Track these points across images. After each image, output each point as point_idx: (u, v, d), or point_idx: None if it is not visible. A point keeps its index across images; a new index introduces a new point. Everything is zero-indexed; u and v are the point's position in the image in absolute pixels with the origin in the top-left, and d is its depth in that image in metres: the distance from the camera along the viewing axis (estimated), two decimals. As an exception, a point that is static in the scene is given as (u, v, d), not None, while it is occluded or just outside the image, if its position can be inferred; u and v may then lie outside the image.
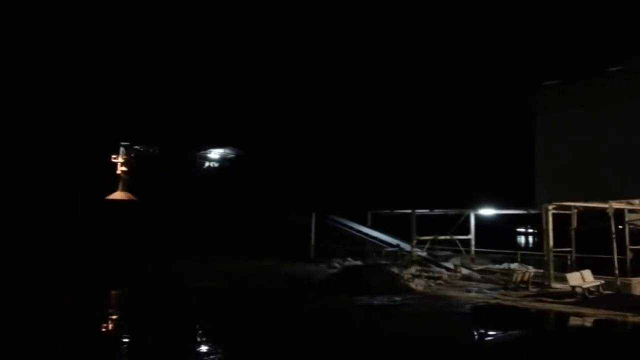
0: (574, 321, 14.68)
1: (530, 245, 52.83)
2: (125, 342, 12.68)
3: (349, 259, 27.99)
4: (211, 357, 11.10)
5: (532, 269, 20.97)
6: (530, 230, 62.56)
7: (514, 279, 19.85)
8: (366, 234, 31.10)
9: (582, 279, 17.59)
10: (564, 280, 18.14)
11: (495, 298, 17.52)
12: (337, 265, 26.59)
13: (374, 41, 52.02)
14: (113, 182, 47.98)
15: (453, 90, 41.37)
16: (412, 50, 48.57)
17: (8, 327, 13.20)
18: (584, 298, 16.58)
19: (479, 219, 29.18)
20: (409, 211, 27.95)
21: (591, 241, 21.13)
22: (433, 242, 27.66)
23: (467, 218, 28.49)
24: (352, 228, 32.11)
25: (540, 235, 27.84)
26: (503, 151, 27.63)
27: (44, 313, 15.02)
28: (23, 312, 15.17)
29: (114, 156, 48.56)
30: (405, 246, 27.78)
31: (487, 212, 28.15)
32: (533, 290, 18.78)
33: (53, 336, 12.23)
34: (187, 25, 61.44)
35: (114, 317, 15.97)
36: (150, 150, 49.35)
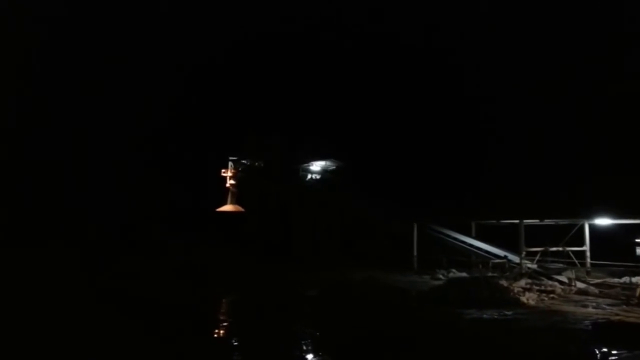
0: None
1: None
2: (235, 345, 13.61)
3: (453, 270, 27.57)
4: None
5: (657, 284, 19.45)
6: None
7: (637, 294, 18.56)
8: (470, 245, 30.30)
9: None
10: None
11: (617, 314, 16.47)
12: (441, 276, 26.32)
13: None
14: (223, 194, 51.27)
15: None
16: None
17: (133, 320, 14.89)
18: None
19: (593, 229, 27.41)
20: (516, 221, 26.92)
21: None
22: (544, 253, 26.38)
23: (581, 228, 26.90)
24: (455, 238, 31.45)
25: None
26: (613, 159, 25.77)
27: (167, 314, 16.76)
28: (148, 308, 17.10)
29: (223, 170, 51.76)
30: (513, 258, 26.76)
31: (604, 221, 26.35)
32: (660, 306, 17.45)
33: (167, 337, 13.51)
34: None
35: (226, 323, 17.05)
36: (256, 164, 51.80)
